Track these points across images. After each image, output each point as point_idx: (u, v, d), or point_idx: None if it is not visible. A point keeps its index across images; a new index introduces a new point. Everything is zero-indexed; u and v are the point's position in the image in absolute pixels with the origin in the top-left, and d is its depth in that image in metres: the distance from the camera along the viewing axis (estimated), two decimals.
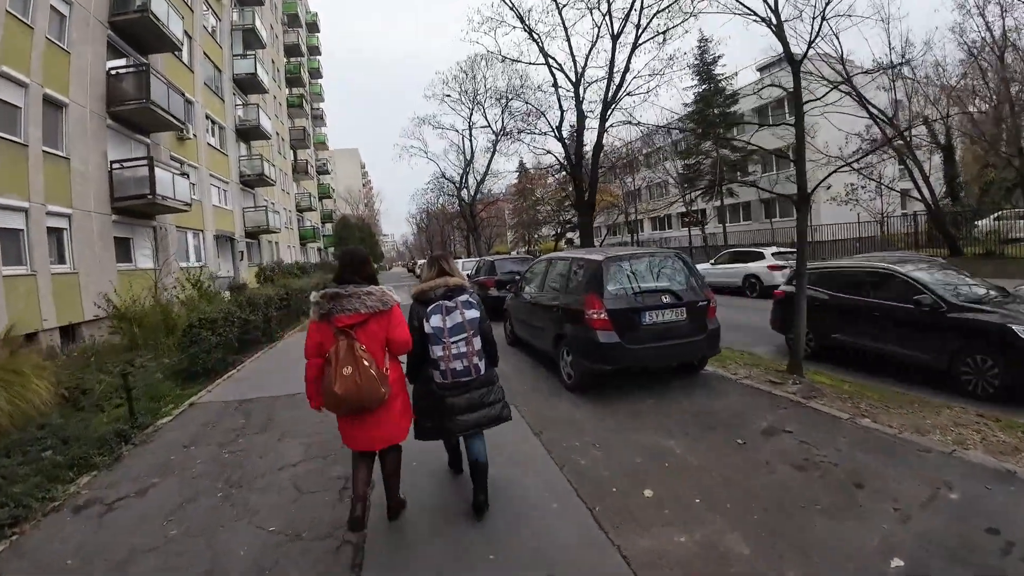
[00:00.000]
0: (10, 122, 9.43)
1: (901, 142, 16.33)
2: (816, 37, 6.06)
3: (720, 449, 3.92)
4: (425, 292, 3.04)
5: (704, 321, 5.41)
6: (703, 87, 30.15)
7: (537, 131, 18.50)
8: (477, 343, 2.95)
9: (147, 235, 13.75)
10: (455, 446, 3.64)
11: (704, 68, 30.06)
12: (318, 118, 49.82)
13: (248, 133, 23.52)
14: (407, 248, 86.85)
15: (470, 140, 27.74)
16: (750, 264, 14.49)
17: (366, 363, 2.59)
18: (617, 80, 12.65)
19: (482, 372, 3.00)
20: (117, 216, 12.40)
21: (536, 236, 45.74)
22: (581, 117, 13.20)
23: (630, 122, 13.72)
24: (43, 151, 10.02)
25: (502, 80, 29.50)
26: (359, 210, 65.41)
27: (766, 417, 4.54)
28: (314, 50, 46.75)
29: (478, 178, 28.42)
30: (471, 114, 25.96)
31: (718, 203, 30.58)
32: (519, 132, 19.66)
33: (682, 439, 4.13)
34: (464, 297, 3.01)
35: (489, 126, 25.29)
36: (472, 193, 28.89)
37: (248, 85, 23.72)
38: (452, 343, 2.87)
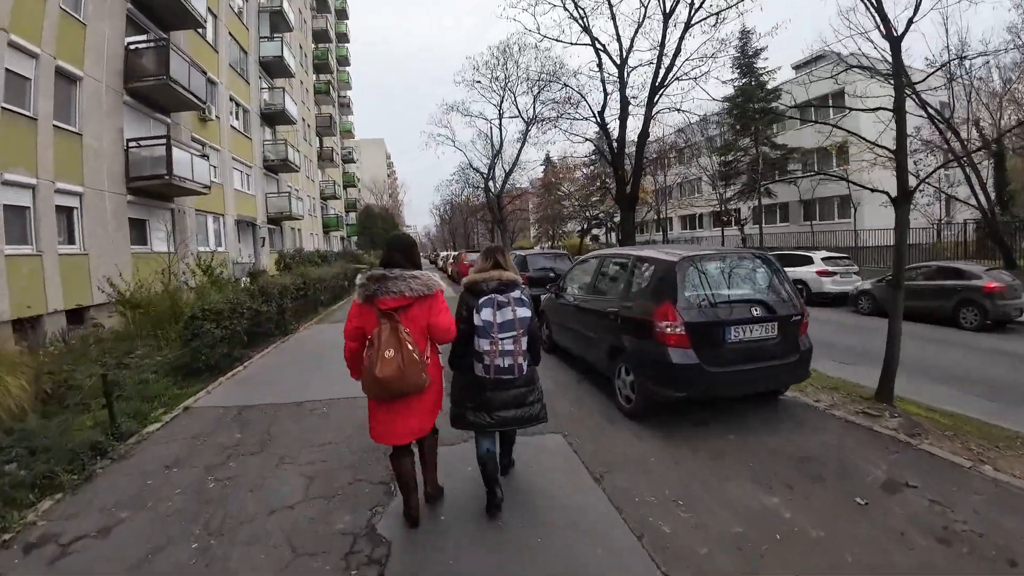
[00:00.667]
0: (19, 94, 8.86)
1: (958, 145, 15.01)
2: (917, 10, 5.39)
3: (839, 512, 3.04)
4: (477, 283, 2.94)
5: (796, 339, 4.41)
6: (743, 80, 28.73)
7: (578, 116, 17.32)
8: (524, 343, 2.85)
9: (164, 217, 13.25)
10: (495, 478, 3.01)
11: (745, 61, 28.71)
12: (345, 106, 49.44)
13: (273, 117, 23.05)
14: (429, 240, 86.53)
15: (500, 129, 26.93)
16: (797, 268, 13.56)
17: (410, 347, 2.51)
18: (667, 63, 11.53)
19: (524, 372, 2.89)
20: (132, 196, 11.86)
21: (561, 231, 44.72)
22: (625, 103, 12.09)
23: (678, 109, 12.62)
24: (54, 125, 9.47)
25: (535, 66, 28.24)
26: (383, 200, 65.04)
27: (878, 464, 3.69)
28: (342, 37, 46.34)
29: (506, 168, 27.51)
30: (501, 101, 25.06)
31: (755, 203, 29.08)
32: (557, 117, 18.55)
33: (786, 495, 3.21)
34: (517, 294, 2.90)
35: (520, 115, 24.35)
36: (499, 184, 27.99)
37: (274, 68, 23.25)
38: (500, 339, 2.78)
